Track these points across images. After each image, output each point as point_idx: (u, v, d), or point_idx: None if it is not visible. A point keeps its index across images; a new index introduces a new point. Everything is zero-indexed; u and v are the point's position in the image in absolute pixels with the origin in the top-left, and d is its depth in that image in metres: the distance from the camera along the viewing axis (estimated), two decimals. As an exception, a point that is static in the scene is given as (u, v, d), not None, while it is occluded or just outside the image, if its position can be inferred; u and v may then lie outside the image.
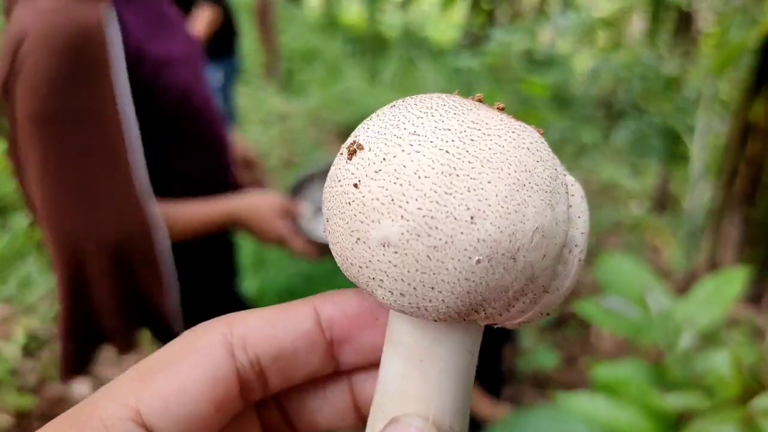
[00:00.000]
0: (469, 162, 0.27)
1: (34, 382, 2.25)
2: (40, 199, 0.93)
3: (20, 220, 2.87)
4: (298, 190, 1.32)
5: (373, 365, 0.36)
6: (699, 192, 3.88)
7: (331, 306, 0.36)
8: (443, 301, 0.28)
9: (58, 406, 2.18)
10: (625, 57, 4.73)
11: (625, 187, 5.85)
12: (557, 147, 6.91)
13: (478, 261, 0.27)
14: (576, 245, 0.31)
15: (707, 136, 4.05)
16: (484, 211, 0.27)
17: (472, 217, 0.27)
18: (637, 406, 1.05)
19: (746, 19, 3.43)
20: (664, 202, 5.26)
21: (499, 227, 0.27)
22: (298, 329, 0.35)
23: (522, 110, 6.86)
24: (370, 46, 9.06)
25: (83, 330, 1.03)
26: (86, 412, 0.30)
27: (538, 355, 2.64)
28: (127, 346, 1.09)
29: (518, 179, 0.28)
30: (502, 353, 1.68)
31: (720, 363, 1.05)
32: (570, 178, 0.33)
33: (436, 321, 0.30)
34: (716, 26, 5.02)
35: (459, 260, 0.27)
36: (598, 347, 3.01)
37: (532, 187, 0.28)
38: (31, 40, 0.85)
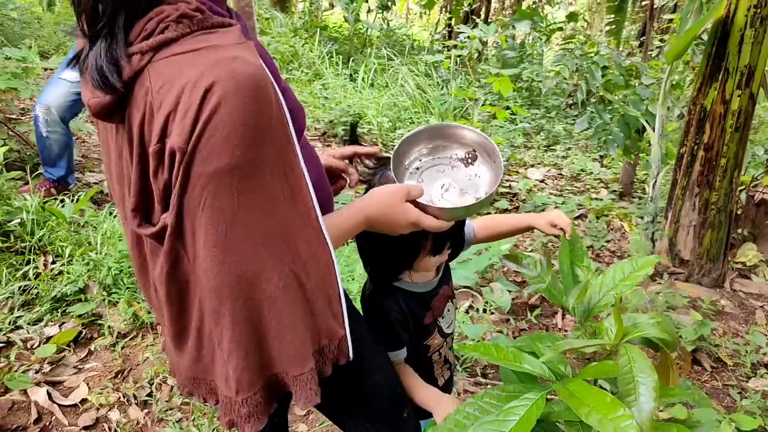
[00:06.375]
0: None
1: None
2: (220, 250, 0.86)
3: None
4: (397, 161, 1.30)
5: None
6: (661, 178, 3.94)
7: None
8: None
9: (14, 416, 2.19)
10: (588, 48, 4.78)
11: (596, 175, 5.92)
12: (530, 136, 6.99)
13: None
14: None
15: (667, 124, 4.10)
16: None
17: None
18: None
19: (702, 6, 3.48)
20: (631, 188, 5.34)
21: None
22: None
23: (493, 103, 6.93)
24: (351, 46, 9.11)
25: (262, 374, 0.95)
26: None
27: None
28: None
29: None
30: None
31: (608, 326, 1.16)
32: None
33: None
34: (676, 15, 5.09)
35: None
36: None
37: None
38: (221, 89, 0.80)
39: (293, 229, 0.92)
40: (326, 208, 1.18)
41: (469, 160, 1.33)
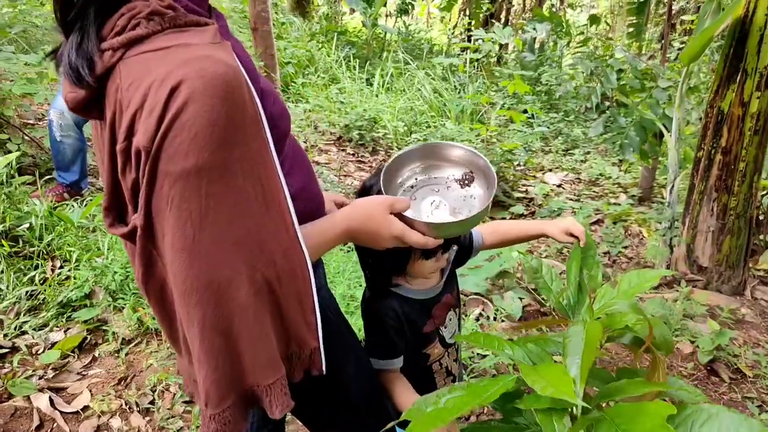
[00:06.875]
0: None
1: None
2: (188, 254, 0.83)
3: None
4: (388, 177, 1.27)
5: None
6: (678, 183, 3.85)
7: None
8: None
9: (16, 422, 2.19)
10: (603, 51, 4.71)
11: (614, 179, 5.83)
12: (549, 140, 6.90)
13: None
14: None
15: (685, 127, 4.01)
16: None
17: None
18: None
19: (719, 7, 3.40)
20: (650, 192, 5.24)
21: None
22: None
23: (511, 106, 6.86)
24: (369, 50, 9.10)
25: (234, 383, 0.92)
26: None
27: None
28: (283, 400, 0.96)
29: None
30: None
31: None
32: None
33: None
34: (693, 16, 4.99)
35: None
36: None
37: None
38: (188, 88, 0.78)
39: (266, 233, 0.88)
40: (316, 218, 1.14)
41: (466, 182, 1.29)
